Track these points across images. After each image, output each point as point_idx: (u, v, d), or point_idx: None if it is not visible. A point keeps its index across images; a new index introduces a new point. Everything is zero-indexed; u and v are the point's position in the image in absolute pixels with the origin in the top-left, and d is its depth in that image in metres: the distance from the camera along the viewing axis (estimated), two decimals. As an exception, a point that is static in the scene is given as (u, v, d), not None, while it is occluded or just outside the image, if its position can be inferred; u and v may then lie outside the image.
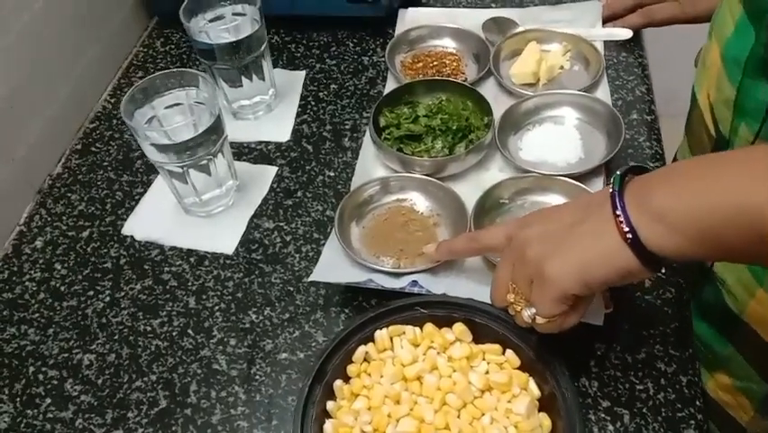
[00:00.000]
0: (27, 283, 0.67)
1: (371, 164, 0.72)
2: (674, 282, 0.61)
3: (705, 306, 0.63)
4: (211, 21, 0.76)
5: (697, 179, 0.42)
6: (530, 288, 0.48)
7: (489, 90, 0.78)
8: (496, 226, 0.58)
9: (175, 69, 0.66)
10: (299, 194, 0.72)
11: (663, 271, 0.43)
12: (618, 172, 0.45)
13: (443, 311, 0.54)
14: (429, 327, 0.54)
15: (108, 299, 0.65)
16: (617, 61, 0.81)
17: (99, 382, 0.59)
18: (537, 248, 0.47)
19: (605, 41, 0.82)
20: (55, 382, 0.59)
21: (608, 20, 0.83)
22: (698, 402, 0.53)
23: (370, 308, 0.61)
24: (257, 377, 0.58)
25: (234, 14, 0.76)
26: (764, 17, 0.48)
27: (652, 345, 0.57)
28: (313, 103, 0.82)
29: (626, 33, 0.81)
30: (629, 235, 0.42)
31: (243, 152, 0.77)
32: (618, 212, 0.42)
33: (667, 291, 0.60)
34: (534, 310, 0.48)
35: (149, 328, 0.62)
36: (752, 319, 0.60)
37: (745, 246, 0.39)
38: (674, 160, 0.79)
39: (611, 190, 0.44)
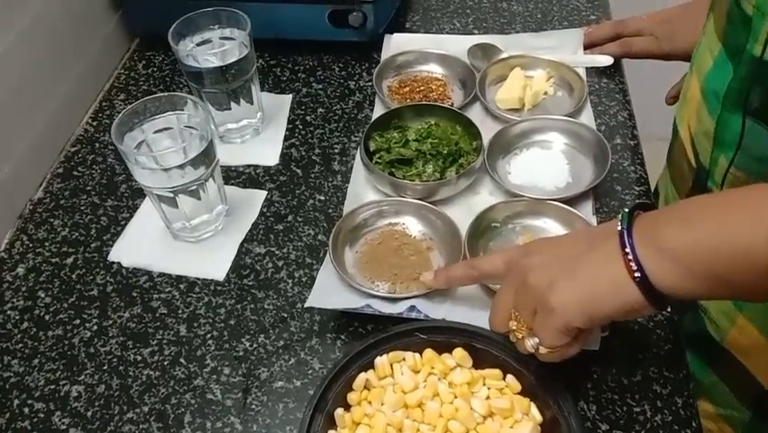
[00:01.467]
0: (9, 312, 0.65)
1: (363, 188, 0.72)
2: (665, 305, 0.62)
3: (687, 334, 0.64)
4: (199, 44, 0.76)
5: (702, 220, 0.42)
6: (533, 316, 0.48)
7: (475, 115, 0.79)
8: (494, 254, 0.59)
9: (165, 93, 0.65)
10: (290, 218, 0.72)
11: (669, 310, 0.43)
12: (626, 210, 0.45)
13: (442, 337, 0.54)
14: (429, 352, 0.54)
15: (96, 327, 0.63)
16: (599, 87, 0.83)
17: (89, 414, 0.57)
18: (541, 276, 0.47)
19: (587, 68, 0.84)
20: (42, 416, 0.57)
21: (587, 47, 0.85)
22: (693, 423, 0.54)
23: (366, 334, 0.61)
24: (253, 407, 0.57)
25: (222, 38, 0.76)
26: (742, 54, 0.49)
27: (647, 367, 0.57)
28: (301, 126, 0.82)
29: (606, 60, 0.84)
30: (637, 274, 0.42)
31: (231, 175, 0.76)
32: (627, 250, 0.43)
33: (659, 314, 0.61)
34: (537, 340, 0.48)
35: (139, 358, 0.61)
36: (733, 347, 0.61)
37: (749, 284, 0.41)
38: (656, 190, 0.81)
39: (620, 228, 0.44)
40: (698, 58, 0.59)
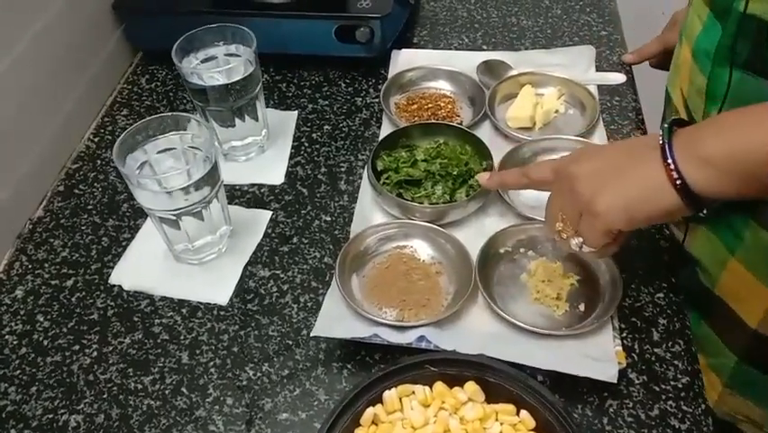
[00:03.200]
0: (7, 337, 0.63)
1: (370, 210, 0.71)
2: (683, 333, 0.60)
3: (684, 289, 0.66)
4: (203, 61, 0.74)
5: (736, 127, 0.47)
6: (579, 219, 0.52)
7: (484, 133, 0.77)
8: (543, 162, 0.63)
9: (169, 114, 0.64)
10: (295, 240, 0.70)
11: (705, 211, 0.48)
12: (666, 125, 0.49)
13: (453, 369, 0.53)
14: (440, 386, 0.52)
15: (95, 354, 0.61)
16: (612, 106, 0.82)
17: (87, 446, 0.55)
18: (587, 183, 0.51)
19: (599, 86, 0.82)
20: (38, 447, 0.56)
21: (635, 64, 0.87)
22: (713, 460, 0.52)
23: (374, 363, 0.59)
24: (257, 439, 0.55)
25: (227, 55, 0.74)
26: (729, 12, 0.53)
27: (664, 400, 0.55)
28: (306, 144, 0.80)
29: (619, 78, 0.82)
30: (678, 181, 0.47)
31: (236, 195, 0.75)
32: (669, 161, 0.47)
33: (676, 344, 0.59)
34: (581, 240, 0.53)
35: (139, 386, 0.59)
36: (722, 292, 0.63)
37: None
38: None
39: (661, 141, 0.48)
40: (687, 26, 0.63)
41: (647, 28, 0.91)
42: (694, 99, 0.61)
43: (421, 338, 0.56)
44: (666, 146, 0.48)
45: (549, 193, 0.69)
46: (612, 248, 0.53)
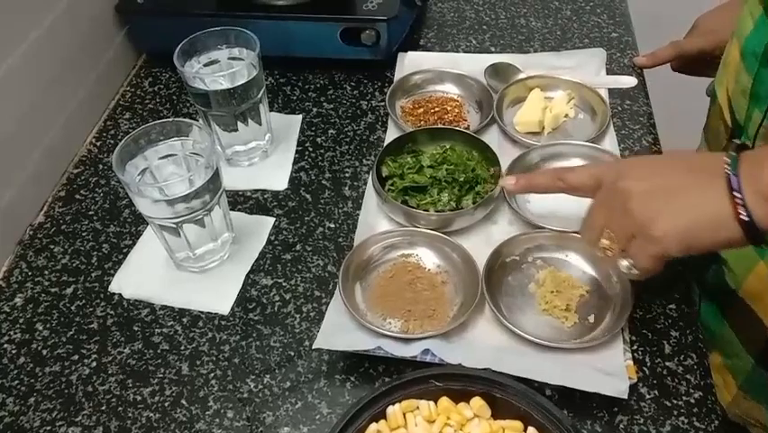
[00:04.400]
0: (6, 346, 0.62)
1: (374, 216, 0.69)
2: (696, 346, 0.58)
3: (708, 286, 0.65)
4: (206, 65, 0.73)
5: None
6: (629, 240, 0.50)
7: (492, 138, 0.76)
8: (584, 168, 0.62)
9: (170, 119, 0.63)
10: (298, 247, 0.69)
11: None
12: (732, 154, 0.47)
13: (459, 384, 0.51)
14: (445, 401, 0.51)
15: (94, 364, 0.60)
16: (623, 110, 0.80)
17: (85, 459, 0.54)
18: (644, 204, 0.48)
19: (609, 89, 0.80)
20: (36, 460, 0.55)
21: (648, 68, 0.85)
22: (727, 480, 0.51)
23: (377, 376, 0.57)
24: (257, 454, 0.54)
25: (231, 59, 0.73)
26: None
27: (676, 416, 0.54)
28: (311, 149, 0.79)
29: (630, 81, 0.80)
30: (744, 217, 0.44)
31: (239, 201, 0.74)
32: (738, 195, 0.45)
33: (688, 357, 0.57)
34: (631, 262, 0.50)
35: (139, 398, 0.58)
36: (746, 293, 0.61)
37: None
38: None
39: (727, 171, 0.46)
40: (739, 24, 0.61)
41: (659, 30, 0.89)
42: (738, 99, 0.60)
43: (426, 351, 0.55)
44: (733, 178, 0.45)
45: (559, 202, 0.68)
46: (658, 269, 0.50)
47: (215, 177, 0.62)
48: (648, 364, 0.57)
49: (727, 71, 0.63)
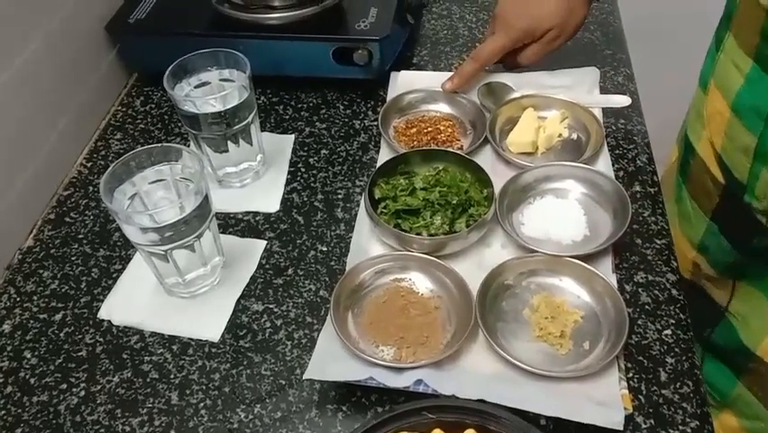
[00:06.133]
0: (-8, 375, 0.61)
1: (367, 240, 0.69)
2: (692, 373, 0.57)
3: (715, 346, 0.63)
4: (197, 86, 0.72)
5: None
6: None
7: (485, 158, 0.75)
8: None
9: (158, 145, 0.62)
10: (290, 271, 0.68)
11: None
12: None
13: (453, 416, 0.50)
14: (437, 434, 0.50)
15: (83, 393, 0.59)
16: (617, 129, 0.79)
17: (72, 494, 0.53)
18: None
19: (603, 108, 0.80)
20: (22, 495, 0.54)
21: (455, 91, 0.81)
22: None
23: (370, 406, 0.57)
24: (248, 487, 0.53)
25: (222, 80, 0.72)
26: None
27: (672, 446, 0.53)
28: (303, 169, 0.78)
29: (624, 100, 0.80)
30: None
31: (230, 223, 0.73)
32: None
33: (684, 385, 0.57)
34: None
35: (127, 429, 0.57)
36: (765, 352, 0.60)
37: None
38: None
39: None
40: (718, 75, 0.58)
41: (653, 47, 0.89)
42: (735, 156, 0.58)
43: (419, 382, 0.54)
44: None
45: (553, 225, 0.68)
46: None
47: (205, 202, 0.61)
48: (644, 392, 0.56)
49: (710, 125, 0.61)
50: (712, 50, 0.66)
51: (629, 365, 0.58)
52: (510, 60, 0.82)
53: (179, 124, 0.85)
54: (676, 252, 0.66)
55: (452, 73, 0.82)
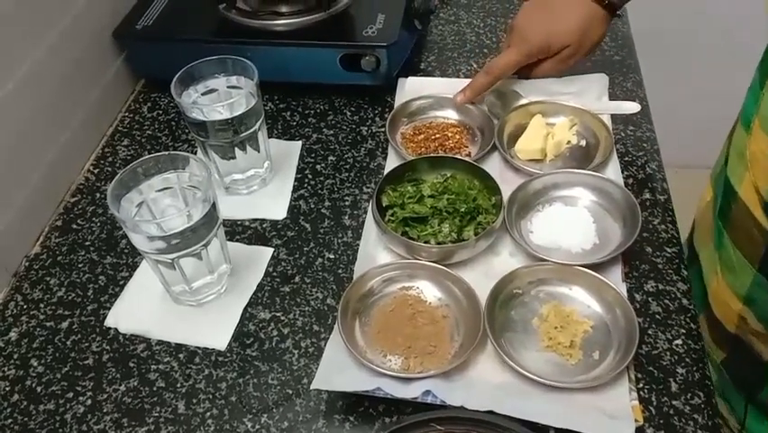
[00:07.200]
0: (0, 382, 0.61)
1: (374, 248, 0.68)
2: (703, 384, 0.57)
3: (763, 405, 0.61)
4: (204, 93, 0.72)
5: None
6: None
7: (493, 165, 0.75)
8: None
9: (165, 153, 0.62)
10: (297, 279, 0.68)
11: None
12: None
13: (461, 428, 0.50)
14: (446, 445, 0.50)
15: (89, 402, 0.59)
16: (626, 136, 0.79)
17: (78, 504, 0.53)
18: None
19: (612, 115, 0.79)
20: (28, 505, 0.53)
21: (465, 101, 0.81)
22: None
23: (377, 416, 0.56)
24: (254, 498, 0.53)
25: (229, 87, 0.72)
26: None
27: (684, 459, 0.52)
28: (310, 176, 0.78)
29: (633, 107, 0.79)
30: None
31: (237, 230, 0.73)
32: None
33: (695, 396, 0.56)
34: None
35: (134, 438, 0.57)
36: None
37: None
38: (691, 249, 0.76)
39: None
40: (763, 114, 0.55)
41: (662, 52, 0.88)
42: None
43: (427, 393, 0.54)
44: None
45: (563, 233, 0.67)
46: None
47: (213, 210, 0.61)
48: (654, 403, 0.56)
49: (754, 168, 0.58)
50: (755, 86, 0.62)
51: (639, 376, 0.57)
52: (523, 72, 0.82)
53: (186, 131, 0.84)
54: (719, 303, 0.63)
55: (462, 82, 0.81)
